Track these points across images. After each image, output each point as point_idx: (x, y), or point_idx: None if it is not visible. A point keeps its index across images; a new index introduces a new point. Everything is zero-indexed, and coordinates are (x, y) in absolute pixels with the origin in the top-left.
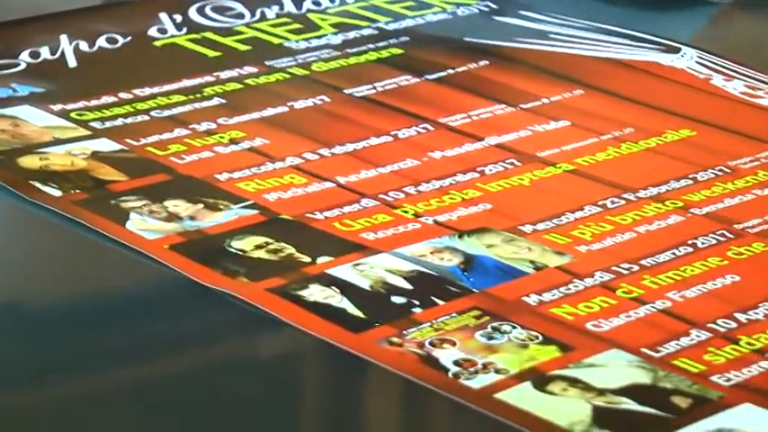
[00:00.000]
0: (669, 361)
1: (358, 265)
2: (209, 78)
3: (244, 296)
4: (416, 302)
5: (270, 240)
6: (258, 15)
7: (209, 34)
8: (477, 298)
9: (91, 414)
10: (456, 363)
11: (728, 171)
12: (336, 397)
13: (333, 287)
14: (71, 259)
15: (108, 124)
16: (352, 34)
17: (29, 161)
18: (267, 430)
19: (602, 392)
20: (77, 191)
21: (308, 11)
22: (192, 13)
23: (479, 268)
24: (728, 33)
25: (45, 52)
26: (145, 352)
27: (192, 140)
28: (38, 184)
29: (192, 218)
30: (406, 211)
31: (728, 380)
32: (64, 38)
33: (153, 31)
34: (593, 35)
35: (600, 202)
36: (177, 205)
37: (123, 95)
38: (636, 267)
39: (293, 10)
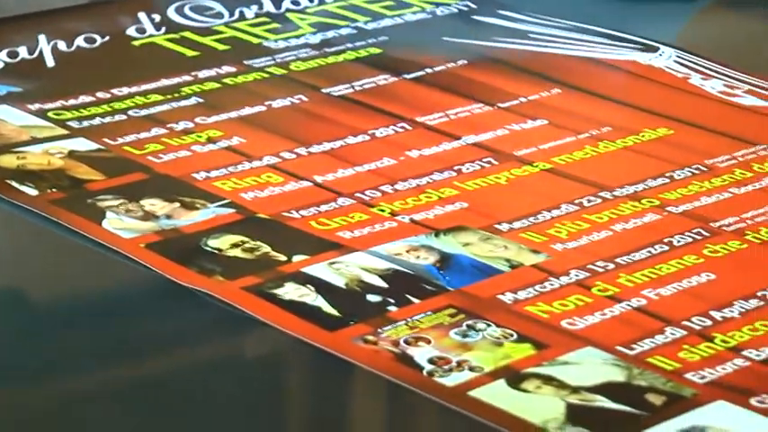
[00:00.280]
0: (644, 359)
1: (334, 263)
2: (187, 78)
3: (219, 295)
4: (392, 301)
5: (246, 239)
6: (237, 15)
7: (187, 34)
8: (453, 296)
9: (65, 413)
10: (430, 361)
11: (705, 170)
12: (311, 395)
13: (308, 285)
14: (47, 258)
15: (85, 123)
16: (330, 33)
17: (6, 160)
18: (241, 429)
19: (576, 390)
20: (54, 190)
21: (287, 10)
22: (171, 12)
23: (455, 267)
24: (710, 32)
25: (23, 52)
26: (120, 351)
27: (169, 140)
28: (15, 184)
29: (168, 216)
30: (382, 210)
31: (703, 377)
32: (42, 37)
33: (131, 31)
34: (571, 34)
35: (576, 201)
36: (154, 204)
37: (101, 95)
38: (611, 265)
39: (272, 9)
